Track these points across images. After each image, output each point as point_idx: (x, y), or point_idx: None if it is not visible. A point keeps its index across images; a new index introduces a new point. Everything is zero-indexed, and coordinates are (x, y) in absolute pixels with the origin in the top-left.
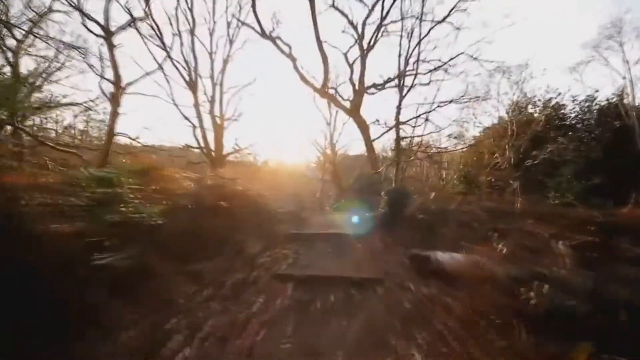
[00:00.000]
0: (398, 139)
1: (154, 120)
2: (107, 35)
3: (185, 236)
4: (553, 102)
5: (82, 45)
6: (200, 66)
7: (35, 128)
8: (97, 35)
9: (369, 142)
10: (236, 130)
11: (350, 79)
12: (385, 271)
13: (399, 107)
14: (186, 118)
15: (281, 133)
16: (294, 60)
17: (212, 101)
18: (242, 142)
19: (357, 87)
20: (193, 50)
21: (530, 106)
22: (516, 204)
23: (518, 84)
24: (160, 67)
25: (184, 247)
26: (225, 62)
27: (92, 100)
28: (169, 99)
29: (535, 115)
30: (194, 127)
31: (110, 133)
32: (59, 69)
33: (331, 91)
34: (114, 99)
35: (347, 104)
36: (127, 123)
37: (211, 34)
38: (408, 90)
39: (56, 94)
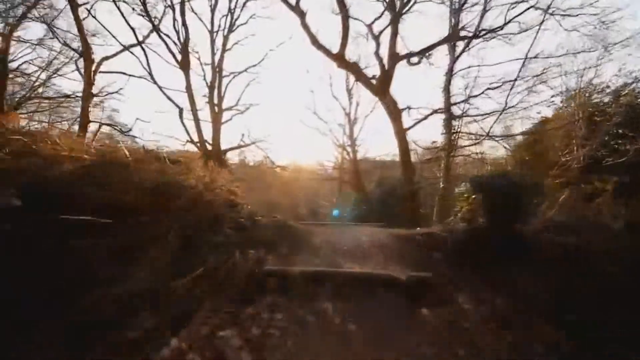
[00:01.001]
0: (450, 117)
1: (156, 115)
2: None
3: None
4: (629, 88)
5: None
6: (198, 47)
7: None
8: None
9: (401, 132)
10: (244, 125)
11: (377, 53)
12: None
13: (450, 74)
14: (169, 99)
15: (293, 128)
16: (302, 15)
17: (211, 87)
18: (250, 137)
19: (385, 63)
20: (184, 22)
21: (596, 95)
22: None
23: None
24: (139, 42)
25: None
26: (226, 39)
27: (96, 95)
28: (156, 79)
29: (603, 105)
30: (180, 110)
31: (85, 119)
32: (65, 63)
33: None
34: (86, 75)
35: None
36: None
37: (212, 10)
38: (463, 50)
39: (65, 88)
